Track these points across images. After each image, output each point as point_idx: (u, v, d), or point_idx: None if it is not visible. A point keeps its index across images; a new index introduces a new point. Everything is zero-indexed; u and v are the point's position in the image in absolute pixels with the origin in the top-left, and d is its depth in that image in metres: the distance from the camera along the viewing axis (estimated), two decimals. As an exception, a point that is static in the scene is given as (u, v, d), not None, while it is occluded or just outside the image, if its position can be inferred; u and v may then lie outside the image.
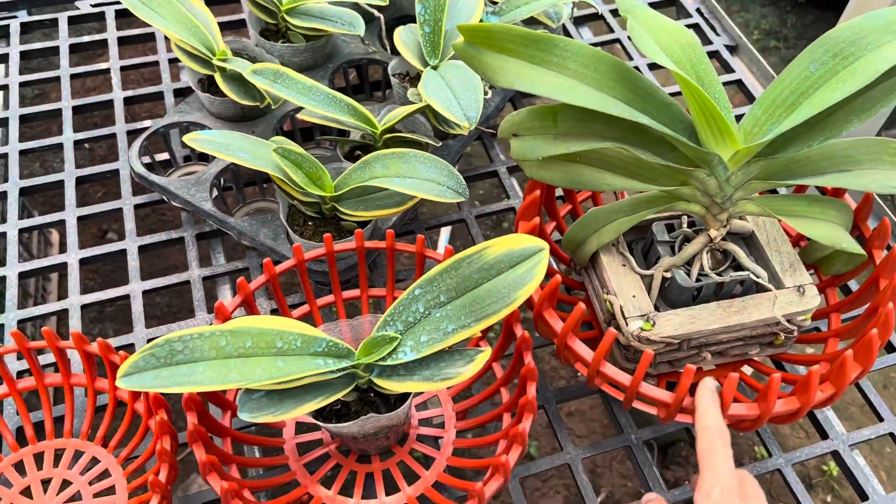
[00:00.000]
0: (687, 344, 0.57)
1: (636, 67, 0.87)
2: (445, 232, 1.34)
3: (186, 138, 0.61)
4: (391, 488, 0.55)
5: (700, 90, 0.47)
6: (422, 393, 0.60)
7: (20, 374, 0.61)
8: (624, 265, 0.58)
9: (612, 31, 0.92)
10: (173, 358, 0.45)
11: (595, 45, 0.91)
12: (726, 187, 0.53)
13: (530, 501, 1.26)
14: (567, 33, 0.90)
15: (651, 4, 0.94)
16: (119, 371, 0.44)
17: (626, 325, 0.55)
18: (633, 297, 0.56)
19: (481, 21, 0.71)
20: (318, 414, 0.52)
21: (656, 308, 0.57)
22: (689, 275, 0.56)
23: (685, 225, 0.59)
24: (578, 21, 0.94)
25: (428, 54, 0.68)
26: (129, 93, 0.81)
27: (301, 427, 0.59)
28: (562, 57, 0.52)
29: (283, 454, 0.57)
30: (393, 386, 0.49)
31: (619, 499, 1.41)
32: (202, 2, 0.72)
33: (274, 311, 0.65)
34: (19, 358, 0.63)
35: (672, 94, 0.78)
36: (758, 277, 0.56)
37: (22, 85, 0.81)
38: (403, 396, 0.52)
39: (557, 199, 0.71)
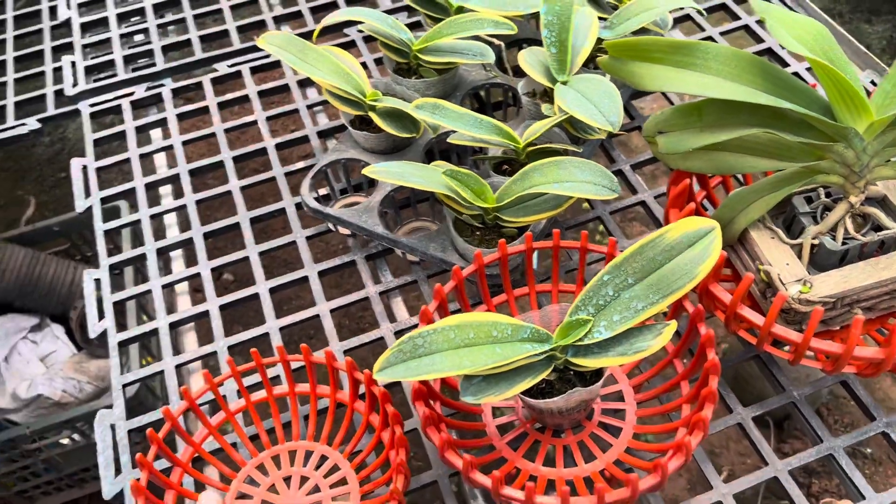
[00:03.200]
0: (840, 302, 0.62)
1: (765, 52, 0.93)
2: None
3: (366, 171, 0.70)
4: (587, 458, 0.62)
5: (836, 71, 0.54)
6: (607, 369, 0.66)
7: (248, 388, 0.70)
8: (773, 238, 0.64)
9: (702, 29, 0.98)
10: (416, 351, 0.53)
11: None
12: (863, 157, 0.59)
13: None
14: (662, 37, 0.97)
15: (707, 9, 1.01)
16: (375, 367, 0.52)
17: (786, 289, 0.61)
18: (787, 264, 0.62)
19: (598, 38, 0.78)
20: (526, 393, 0.59)
21: (808, 273, 0.63)
22: (834, 239, 0.62)
23: (823, 196, 0.65)
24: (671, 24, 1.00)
25: (556, 72, 0.75)
26: (279, 139, 0.91)
27: (495, 412, 0.66)
28: (703, 59, 0.59)
29: (487, 436, 0.64)
30: (589, 363, 0.56)
31: (740, 475, 1.45)
32: (347, 52, 0.81)
33: (456, 312, 0.72)
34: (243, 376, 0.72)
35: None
36: (902, 234, 0.61)
37: (185, 143, 0.92)
38: (598, 373, 0.59)
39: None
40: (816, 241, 0.62)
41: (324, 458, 0.65)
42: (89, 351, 1.38)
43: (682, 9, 0.98)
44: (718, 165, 0.64)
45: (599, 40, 0.80)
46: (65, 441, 1.27)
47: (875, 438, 0.64)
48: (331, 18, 0.85)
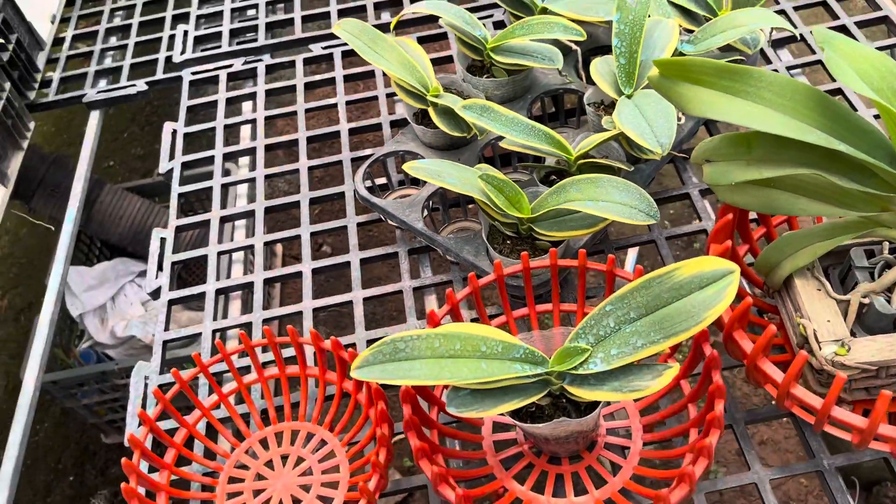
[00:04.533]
0: (886, 371, 0.56)
1: (839, 90, 0.85)
2: (633, 252, 1.36)
3: (406, 166, 0.70)
4: (579, 490, 0.59)
5: (902, 117, 0.48)
6: (609, 403, 0.63)
7: (264, 364, 0.72)
8: (819, 290, 0.58)
9: (813, 52, 0.90)
10: (396, 355, 0.53)
11: (795, 67, 0.90)
12: (933, 214, 0.52)
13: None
14: (765, 57, 0.90)
15: (858, 24, 0.91)
16: (353, 364, 0.52)
17: (820, 349, 0.55)
18: (828, 321, 0.56)
19: (677, 51, 0.74)
20: (514, 414, 0.57)
21: (852, 334, 0.57)
22: (889, 301, 0.56)
23: (886, 251, 0.58)
24: (776, 44, 0.93)
25: (622, 84, 0.72)
26: (353, 125, 0.93)
27: (497, 427, 0.65)
28: (756, 87, 0.54)
29: (482, 450, 0.63)
30: (583, 394, 0.54)
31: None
32: (417, 44, 0.81)
33: (474, 320, 0.71)
34: (264, 351, 0.74)
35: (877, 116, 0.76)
36: (968, 307, 0.54)
37: (267, 119, 0.95)
38: (593, 404, 0.56)
39: (751, 223, 0.71)
40: (867, 300, 0.56)
41: (323, 443, 0.66)
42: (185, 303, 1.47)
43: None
44: (767, 203, 0.58)
45: (680, 55, 0.75)
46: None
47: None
48: (409, 11, 0.85)
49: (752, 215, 0.72)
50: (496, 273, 0.64)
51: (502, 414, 0.55)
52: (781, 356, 0.62)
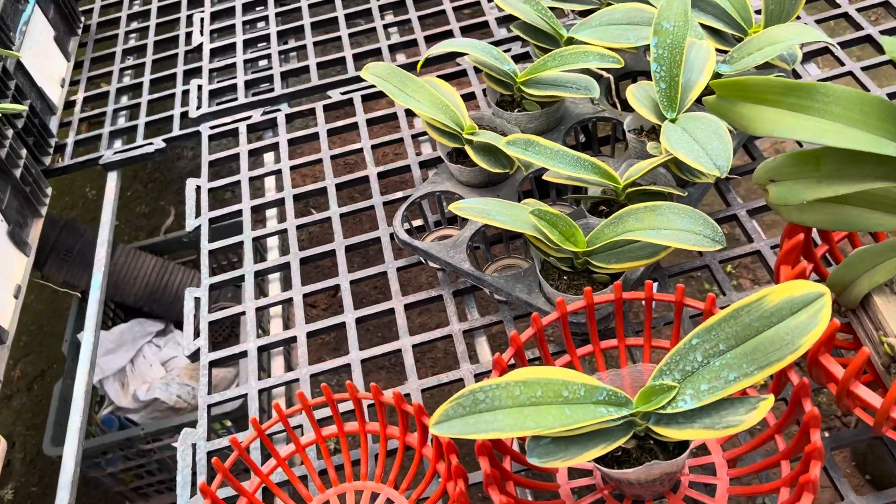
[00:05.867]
0: (983, 387, 0.53)
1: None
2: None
3: (452, 207, 0.68)
4: (668, 534, 0.56)
5: None
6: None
7: (320, 422, 0.69)
8: (901, 306, 0.56)
9: (842, 64, 0.89)
10: (477, 406, 0.50)
11: (825, 80, 0.89)
12: None
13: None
14: (794, 73, 0.89)
15: (883, 32, 0.91)
16: (432, 419, 0.50)
17: (913, 368, 0.53)
18: (917, 338, 0.54)
19: (714, 72, 0.72)
20: (600, 460, 0.54)
21: (943, 349, 0.54)
22: (979, 313, 0.54)
23: (967, 261, 0.56)
24: (803, 58, 0.92)
25: (665, 108, 0.70)
26: (381, 168, 0.91)
27: (572, 472, 0.62)
28: (823, 102, 0.53)
29: (560, 498, 0.60)
30: (673, 434, 0.51)
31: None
32: (447, 83, 0.80)
33: (533, 360, 0.69)
34: (315, 409, 0.71)
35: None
36: None
37: (292, 168, 0.94)
38: (682, 444, 0.54)
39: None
40: (955, 314, 0.54)
41: (389, 502, 0.63)
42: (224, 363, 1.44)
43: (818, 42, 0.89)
44: (839, 220, 0.57)
45: (717, 75, 0.74)
46: (176, 444, 1.33)
47: None
48: (435, 50, 0.84)
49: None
50: (559, 311, 0.62)
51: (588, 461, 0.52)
52: (864, 377, 0.59)
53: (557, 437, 0.52)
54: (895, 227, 0.55)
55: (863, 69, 0.88)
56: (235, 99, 1.06)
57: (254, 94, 1.07)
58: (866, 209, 0.56)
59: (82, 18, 1.28)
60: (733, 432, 0.48)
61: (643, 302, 0.63)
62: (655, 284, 0.72)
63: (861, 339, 0.60)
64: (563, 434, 0.52)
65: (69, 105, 1.14)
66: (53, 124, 1.10)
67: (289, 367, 0.82)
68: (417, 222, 0.84)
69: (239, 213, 0.91)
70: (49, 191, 1.00)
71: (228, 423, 1.31)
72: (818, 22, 0.95)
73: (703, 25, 0.81)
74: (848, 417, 1.37)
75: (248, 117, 1.02)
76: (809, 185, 0.55)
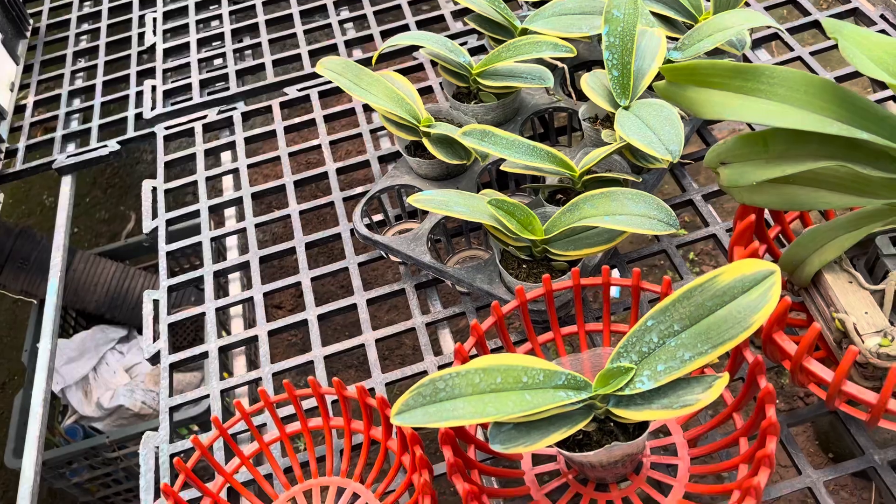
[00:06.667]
0: (930, 358, 0.55)
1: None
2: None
3: (410, 199, 0.68)
4: (632, 515, 0.57)
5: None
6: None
7: (284, 419, 0.69)
8: (851, 282, 0.57)
9: (791, 49, 0.91)
10: (437, 395, 0.50)
11: (776, 65, 0.90)
12: (958, 194, 0.52)
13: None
14: (745, 59, 0.91)
15: (794, 28, 0.93)
16: (392, 410, 0.50)
17: (863, 342, 0.54)
18: (866, 313, 0.55)
19: (666, 59, 0.73)
20: (561, 444, 0.55)
21: (891, 323, 0.56)
22: (924, 286, 0.55)
23: (912, 236, 0.58)
24: (754, 44, 0.94)
25: (618, 96, 0.71)
26: (340, 164, 0.91)
27: (536, 459, 0.62)
28: (769, 84, 0.54)
29: (524, 485, 0.60)
30: (632, 415, 0.52)
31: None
32: (403, 77, 0.80)
33: (497, 350, 0.69)
34: (278, 406, 0.71)
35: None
36: None
37: (250, 166, 0.93)
38: (642, 425, 0.54)
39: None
40: (902, 288, 0.55)
41: (356, 496, 0.63)
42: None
43: (768, 27, 0.91)
44: (789, 200, 0.58)
45: (669, 62, 0.75)
46: (143, 451, 1.31)
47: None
48: (390, 43, 0.84)
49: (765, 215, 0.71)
50: (519, 299, 0.62)
51: (549, 446, 0.52)
52: (817, 354, 0.61)
53: (519, 422, 0.52)
54: (842, 205, 0.56)
55: (812, 54, 0.90)
56: (190, 99, 1.05)
57: (209, 94, 1.05)
58: (814, 189, 0.57)
59: (31, 21, 1.25)
60: (690, 411, 0.49)
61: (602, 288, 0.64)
62: (614, 270, 0.73)
63: (813, 316, 0.61)
64: (524, 420, 0.52)
65: (19, 109, 1.12)
66: (3, 129, 1.08)
67: (252, 367, 0.81)
68: (378, 217, 0.84)
69: (197, 213, 0.89)
70: (1, 197, 0.98)
71: (196, 428, 1.29)
72: (768, 9, 0.97)
73: (653, 13, 0.81)
74: (811, 397, 1.40)
75: (204, 116, 1.01)
76: (758, 167, 0.56)
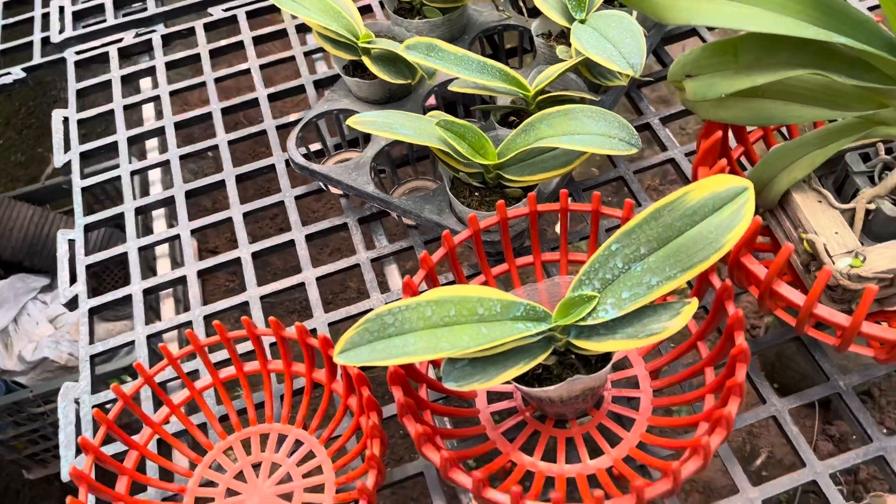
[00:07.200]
0: (900, 278, 0.52)
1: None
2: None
3: (351, 121, 0.62)
4: (592, 452, 0.54)
5: (906, -2, 0.43)
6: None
7: (216, 365, 0.63)
8: (820, 202, 0.54)
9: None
10: (385, 331, 0.45)
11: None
12: (935, 104, 0.49)
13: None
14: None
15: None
16: (336, 348, 0.45)
17: (833, 263, 0.51)
18: (836, 233, 0.53)
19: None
20: (519, 380, 0.51)
21: (861, 243, 0.53)
22: (895, 204, 0.52)
23: (882, 152, 0.55)
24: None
25: (573, 9, 0.66)
26: (272, 90, 0.83)
27: (492, 396, 0.59)
28: (741, -15, 0.49)
29: (480, 424, 0.56)
30: (594, 346, 0.48)
31: (781, 458, 1.35)
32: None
33: (450, 283, 0.64)
34: (211, 351, 0.65)
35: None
36: (980, 198, 0.51)
37: (172, 94, 0.85)
38: (605, 357, 0.51)
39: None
40: (872, 206, 0.53)
41: (299, 444, 0.58)
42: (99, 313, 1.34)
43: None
44: (757, 115, 0.54)
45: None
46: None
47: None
48: (324, -48, 0.76)
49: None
50: (472, 228, 0.58)
51: (507, 382, 0.48)
52: (784, 278, 0.58)
53: (474, 358, 0.48)
54: (813, 118, 0.52)
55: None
56: (104, 20, 0.95)
57: (125, 15, 0.96)
58: (784, 102, 0.53)
59: (-82, -65, 1.11)
60: (657, 340, 0.46)
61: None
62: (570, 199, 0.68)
63: (780, 239, 0.58)
64: (479, 354, 0.48)
65: None
66: None
67: (185, 311, 0.75)
68: (316, 147, 0.78)
69: (115, 145, 0.81)
70: None
71: (130, 380, 1.22)
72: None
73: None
74: (756, 330, 1.41)
75: (120, 40, 0.92)
76: (727, 77, 0.52)
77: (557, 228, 0.62)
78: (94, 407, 0.63)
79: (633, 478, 0.50)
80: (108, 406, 0.64)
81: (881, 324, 0.56)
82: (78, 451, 0.61)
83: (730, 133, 0.65)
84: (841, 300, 0.53)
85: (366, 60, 0.69)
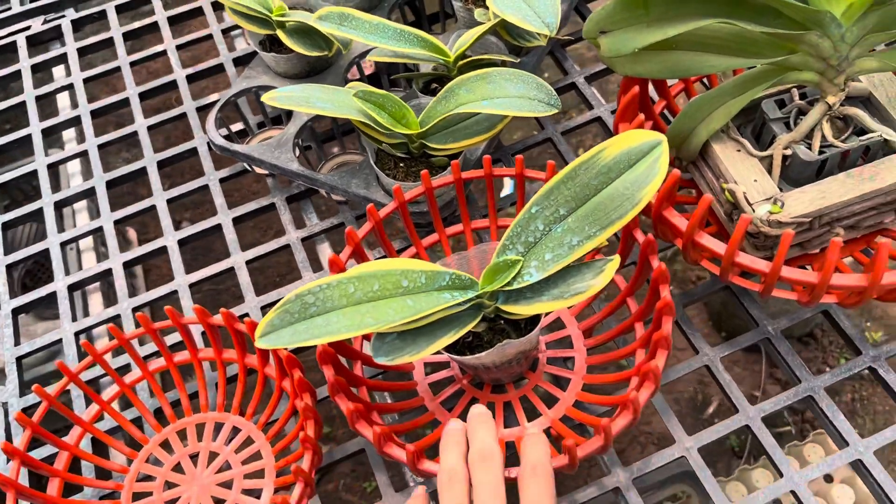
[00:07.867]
0: (818, 221, 0.53)
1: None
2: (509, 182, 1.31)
3: (265, 98, 0.60)
4: (530, 414, 0.54)
5: (806, -58, 0.43)
6: (549, 314, 0.58)
7: (145, 357, 0.62)
8: (739, 150, 0.55)
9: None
10: (307, 311, 0.45)
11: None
12: (841, 46, 0.49)
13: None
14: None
15: None
16: (256, 332, 0.44)
17: (753, 210, 0.52)
18: (755, 181, 0.53)
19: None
20: (451, 349, 0.51)
21: (780, 189, 0.54)
22: (810, 148, 0.53)
23: (797, 98, 0.56)
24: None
25: (489, -30, 0.64)
26: (190, 70, 0.81)
27: (429, 368, 0.58)
28: (645, -64, 0.49)
29: (418, 396, 0.56)
30: (521, 310, 0.48)
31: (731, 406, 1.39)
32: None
33: (382, 258, 0.64)
34: (142, 343, 0.64)
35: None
36: (889, 136, 0.52)
37: (86, 81, 0.81)
38: (533, 319, 0.51)
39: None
40: (789, 152, 0.53)
41: (236, 430, 0.57)
42: (36, 312, 1.30)
43: None
44: (672, 67, 0.54)
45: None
46: None
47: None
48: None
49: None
50: (397, 200, 0.57)
51: (438, 352, 0.48)
52: (708, 229, 0.59)
53: (403, 331, 0.48)
54: (726, 67, 0.52)
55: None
56: (9, 8, 0.91)
57: (31, 1, 0.91)
58: (697, 53, 0.53)
59: None
60: (582, 299, 0.46)
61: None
62: (498, 163, 0.68)
63: (703, 191, 0.58)
64: (408, 327, 0.47)
65: None
66: None
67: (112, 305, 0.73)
68: (238, 127, 0.76)
69: (28, 138, 0.78)
70: None
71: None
72: None
73: None
74: (703, 280, 1.44)
75: (27, 28, 0.88)
76: (640, 31, 0.52)
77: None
78: (22, 410, 0.61)
79: (569, 436, 0.50)
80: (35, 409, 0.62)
81: (806, 268, 0.57)
82: (10, 458, 0.59)
83: (651, 88, 0.65)
84: (763, 247, 0.54)
85: (280, 34, 0.67)
